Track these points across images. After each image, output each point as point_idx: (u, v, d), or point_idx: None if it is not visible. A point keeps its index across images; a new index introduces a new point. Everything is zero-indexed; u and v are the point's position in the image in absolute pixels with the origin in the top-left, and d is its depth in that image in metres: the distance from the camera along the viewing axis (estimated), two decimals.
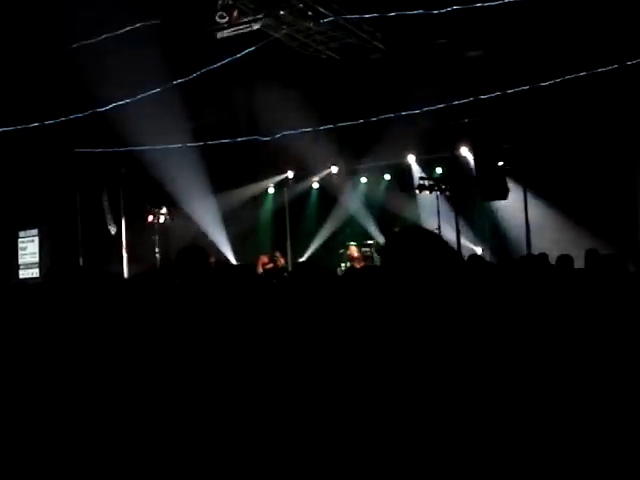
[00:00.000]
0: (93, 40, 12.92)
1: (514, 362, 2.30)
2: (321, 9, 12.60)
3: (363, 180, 17.70)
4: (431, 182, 15.28)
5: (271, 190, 19.16)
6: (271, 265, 15.32)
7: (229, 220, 17.87)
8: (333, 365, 2.56)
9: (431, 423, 2.07)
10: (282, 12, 12.59)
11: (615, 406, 2.32)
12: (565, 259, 7.12)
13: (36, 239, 18.35)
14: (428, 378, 2.15)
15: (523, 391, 2.17)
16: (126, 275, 15.35)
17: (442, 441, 2.04)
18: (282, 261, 15.72)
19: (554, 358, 2.58)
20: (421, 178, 15.43)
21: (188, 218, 17.34)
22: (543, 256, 6.06)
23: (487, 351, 2.24)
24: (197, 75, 13.97)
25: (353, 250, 15.46)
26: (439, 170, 16.25)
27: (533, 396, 2.18)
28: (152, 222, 17.98)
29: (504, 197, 14.68)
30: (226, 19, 11.80)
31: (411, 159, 16.60)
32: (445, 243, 2.50)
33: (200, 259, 3.92)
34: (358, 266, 13.44)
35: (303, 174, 18.42)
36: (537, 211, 14.70)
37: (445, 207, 15.28)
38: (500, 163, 15.01)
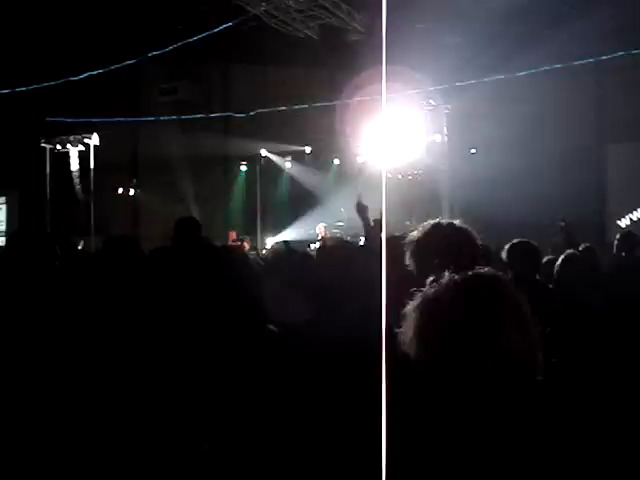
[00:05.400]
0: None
1: None
2: None
3: (336, 162, 17.70)
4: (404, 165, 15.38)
5: (243, 168, 19.08)
6: (238, 244, 15.31)
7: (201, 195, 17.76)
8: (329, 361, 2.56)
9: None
10: None
11: None
12: None
13: (4, 207, 18.10)
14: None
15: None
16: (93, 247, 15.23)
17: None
18: (246, 246, 15.64)
19: None
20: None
21: (158, 191, 17.20)
22: None
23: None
24: (173, 48, 13.83)
25: (322, 230, 15.47)
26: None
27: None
28: (122, 194, 17.85)
29: (474, 184, 14.78)
30: None
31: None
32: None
33: (194, 231, 4.07)
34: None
35: (276, 153, 18.39)
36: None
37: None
38: (473, 150, 15.12)
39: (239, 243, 15.33)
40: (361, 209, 4.13)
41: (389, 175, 15.56)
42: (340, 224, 16.27)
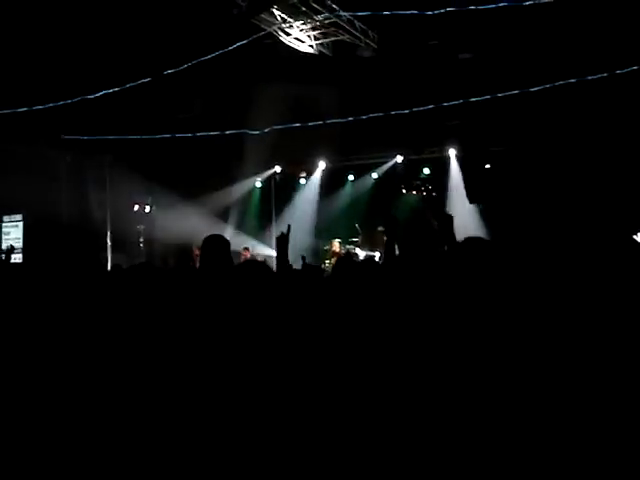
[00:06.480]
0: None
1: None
2: (315, 5, 12.58)
3: (350, 177, 17.70)
4: (418, 182, 15.33)
5: (258, 184, 19.14)
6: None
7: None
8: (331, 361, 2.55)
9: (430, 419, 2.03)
10: (276, 6, 12.58)
11: None
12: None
13: (20, 224, 18.15)
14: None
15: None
16: (110, 264, 15.30)
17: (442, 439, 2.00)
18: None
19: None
20: (412, 178, 15.50)
21: (174, 209, 17.22)
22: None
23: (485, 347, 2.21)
24: (187, 66, 13.89)
25: (335, 246, 15.45)
26: (426, 171, 16.30)
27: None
28: (138, 211, 17.91)
29: (490, 200, 14.74)
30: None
31: (399, 159, 16.65)
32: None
33: (223, 248, 4.08)
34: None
35: (291, 169, 18.44)
36: None
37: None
38: (487, 166, 15.07)
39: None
40: (391, 224, 4.08)
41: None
42: (355, 240, 16.26)
